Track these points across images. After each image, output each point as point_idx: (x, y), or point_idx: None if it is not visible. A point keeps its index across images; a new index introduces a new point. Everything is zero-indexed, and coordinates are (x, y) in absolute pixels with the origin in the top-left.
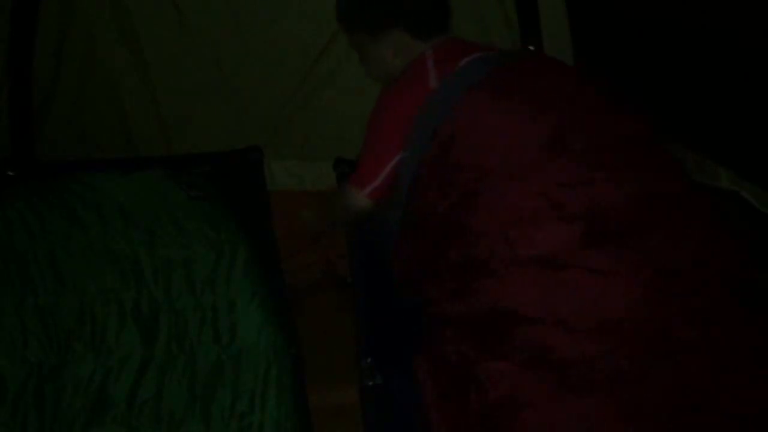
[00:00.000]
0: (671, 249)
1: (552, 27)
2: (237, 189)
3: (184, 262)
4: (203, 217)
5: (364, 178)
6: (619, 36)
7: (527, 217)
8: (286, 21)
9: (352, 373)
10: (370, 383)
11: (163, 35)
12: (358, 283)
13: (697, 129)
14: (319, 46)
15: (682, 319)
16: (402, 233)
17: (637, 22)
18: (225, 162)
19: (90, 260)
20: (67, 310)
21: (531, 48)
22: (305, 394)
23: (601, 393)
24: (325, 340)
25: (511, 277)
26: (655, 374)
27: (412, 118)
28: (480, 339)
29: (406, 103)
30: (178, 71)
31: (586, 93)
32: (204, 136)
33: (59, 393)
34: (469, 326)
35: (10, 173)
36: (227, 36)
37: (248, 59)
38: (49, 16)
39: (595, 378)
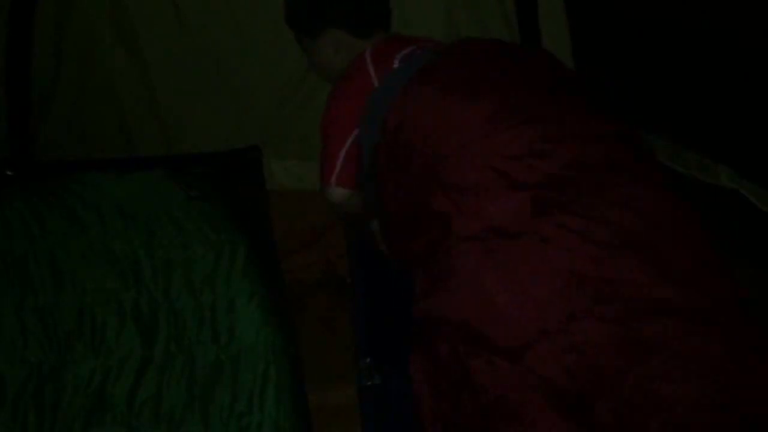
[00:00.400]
0: (633, 217)
1: (551, 26)
2: (236, 189)
3: (184, 262)
4: (203, 217)
5: (326, 172)
6: (619, 36)
7: (478, 191)
8: None
9: (350, 373)
10: (369, 383)
11: (162, 35)
12: (357, 283)
13: (697, 128)
14: None
15: (652, 288)
16: (386, 226)
17: (637, 22)
18: (224, 162)
19: (89, 260)
20: (66, 310)
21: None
22: (304, 394)
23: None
24: (324, 340)
25: (468, 251)
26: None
27: (357, 113)
28: (467, 334)
29: (350, 99)
30: (177, 71)
31: (539, 74)
32: (203, 136)
33: (59, 393)
34: (455, 321)
35: (9, 173)
36: (227, 35)
37: (248, 59)
38: (48, 16)
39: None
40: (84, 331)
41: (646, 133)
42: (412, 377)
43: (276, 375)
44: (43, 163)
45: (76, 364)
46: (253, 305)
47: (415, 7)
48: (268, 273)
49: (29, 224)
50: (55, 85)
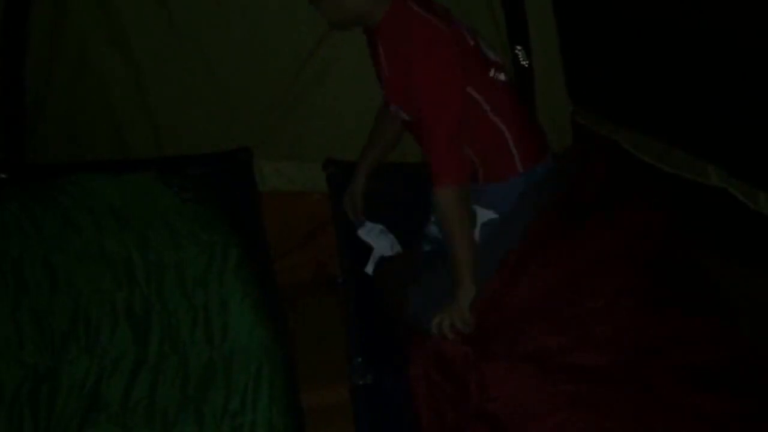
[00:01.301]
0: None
1: (539, 24)
2: (228, 190)
3: (176, 263)
4: (195, 219)
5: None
6: (612, 34)
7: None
8: (276, 23)
9: (343, 372)
10: (361, 382)
11: (153, 38)
12: (349, 283)
13: (687, 127)
14: (309, 48)
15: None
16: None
17: (630, 22)
18: (216, 164)
19: (84, 262)
20: (61, 311)
21: (518, 47)
22: (297, 394)
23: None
24: (317, 340)
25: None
26: None
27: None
28: (485, 340)
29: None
30: (168, 74)
31: None
32: (195, 138)
33: (54, 394)
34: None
35: (3, 176)
36: (217, 38)
37: (238, 61)
38: (41, 20)
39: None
40: (78, 331)
41: (638, 133)
42: (411, 375)
43: (269, 375)
44: (37, 166)
45: (71, 364)
46: (246, 306)
47: None
48: (261, 274)
49: (24, 226)
50: (47, 87)
